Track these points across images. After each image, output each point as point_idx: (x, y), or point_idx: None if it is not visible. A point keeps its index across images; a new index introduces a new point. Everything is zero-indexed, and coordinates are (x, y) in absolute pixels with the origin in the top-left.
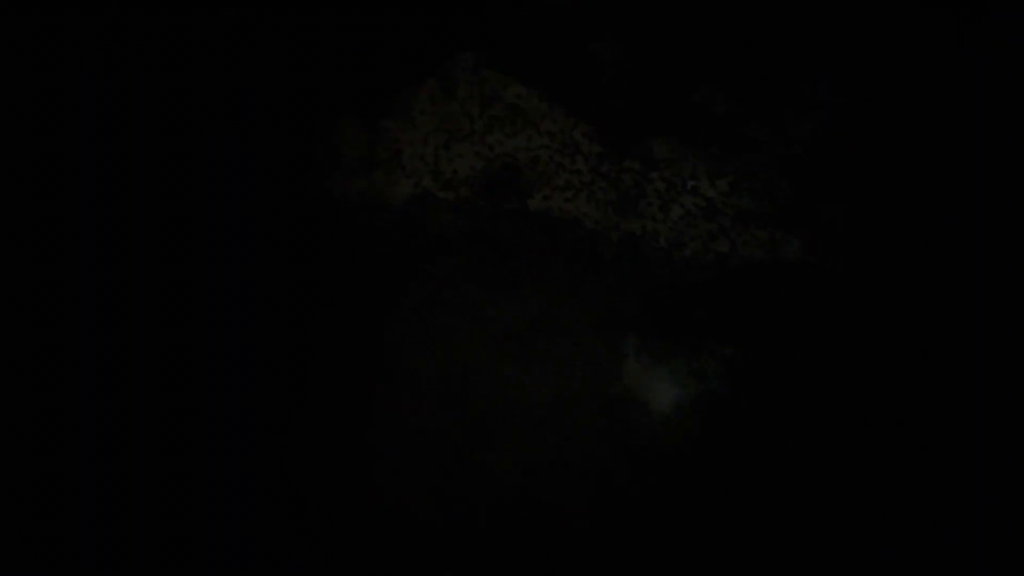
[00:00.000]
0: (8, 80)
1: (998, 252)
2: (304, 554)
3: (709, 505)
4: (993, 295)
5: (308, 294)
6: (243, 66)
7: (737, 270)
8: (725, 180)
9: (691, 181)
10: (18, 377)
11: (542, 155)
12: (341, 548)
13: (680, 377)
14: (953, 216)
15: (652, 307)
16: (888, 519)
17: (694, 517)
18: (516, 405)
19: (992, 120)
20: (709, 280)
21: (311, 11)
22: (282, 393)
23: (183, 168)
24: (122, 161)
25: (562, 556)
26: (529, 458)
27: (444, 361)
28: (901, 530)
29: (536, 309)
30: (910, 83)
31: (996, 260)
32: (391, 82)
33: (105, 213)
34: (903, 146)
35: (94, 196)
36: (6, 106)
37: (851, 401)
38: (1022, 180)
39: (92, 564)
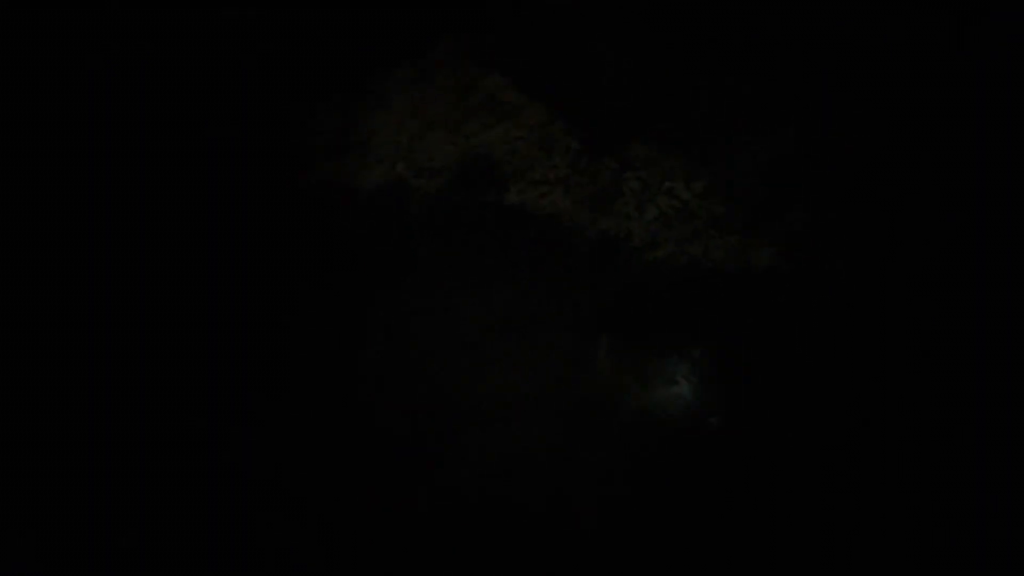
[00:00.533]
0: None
1: (994, 257)
2: (264, 542)
3: (676, 505)
4: (975, 304)
5: (272, 279)
6: (215, 44)
7: (709, 273)
8: (701, 183)
9: (667, 182)
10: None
11: (519, 148)
12: (304, 541)
13: (650, 378)
14: (943, 222)
15: (624, 307)
16: (857, 519)
17: (661, 517)
18: (484, 402)
19: (991, 121)
20: (681, 282)
21: None
22: (244, 378)
23: (151, 150)
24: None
25: (527, 554)
26: (496, 456)
27: (412, 355)
28: (873, 530)
29: (508, 305)
30: (900, 90)
31: (990, 266)
32: (367, 64)
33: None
34: (882, 157)
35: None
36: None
37: (818, 405)
38: (1020, 181)
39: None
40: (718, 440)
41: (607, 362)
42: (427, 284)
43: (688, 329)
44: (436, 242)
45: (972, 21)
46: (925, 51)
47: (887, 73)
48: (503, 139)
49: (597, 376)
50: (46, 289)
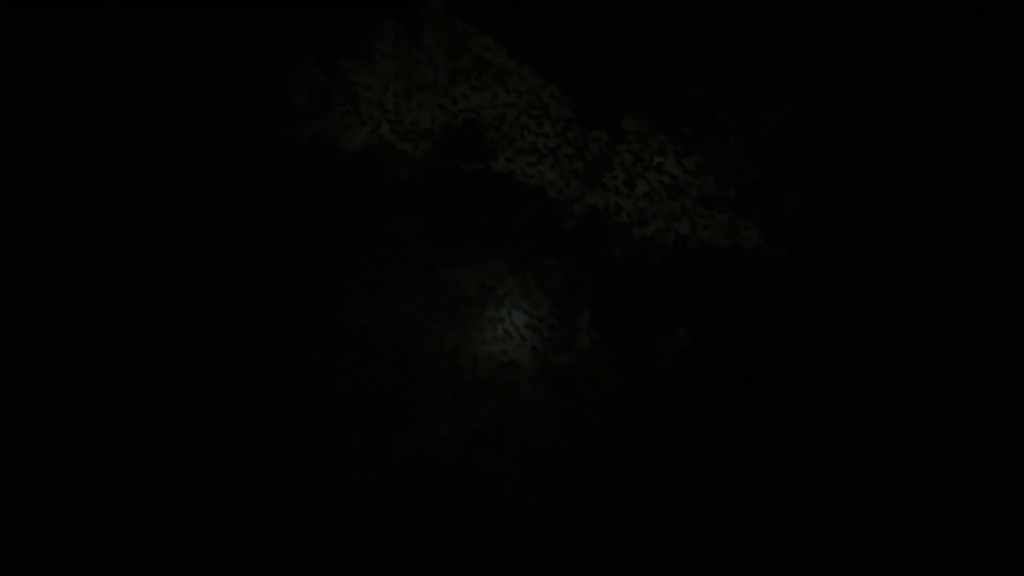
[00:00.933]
0: None
1: (989, 251)
2: (229, 504)
3: (649, 486)
4: (968, 300)
5: (251, 240)
6: None
7: (696, 252)
8: (692, 160)
9: (658, 157)
10: None
11: (508, 114)
12: (270, 498)
13: (631, 356)
14: (941, 222)
15: (609, 283)
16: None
17: (634, 497)
18: (462, 371)
19: (990, 120)
20: (668, 260)
21: None
22: (221, 339)
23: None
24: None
25: (495, 524)
26: (470, 425)
27: (391, 320)
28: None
29: (491, 276)
30: (897, 80)
31: (984, 260)
32: (351, 18)
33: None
34: (877, 151)
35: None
36: None
37: (797, 390)
38: (1016, 182)
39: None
40: (696, 419)
41: (588, 339)
42: (409, 250)
43: (673, 308)
44: (420, 208)
45: (972, 21)
46: (925, 48)
47: (886, 66)
48: (492, 104)
49: (577, 353)
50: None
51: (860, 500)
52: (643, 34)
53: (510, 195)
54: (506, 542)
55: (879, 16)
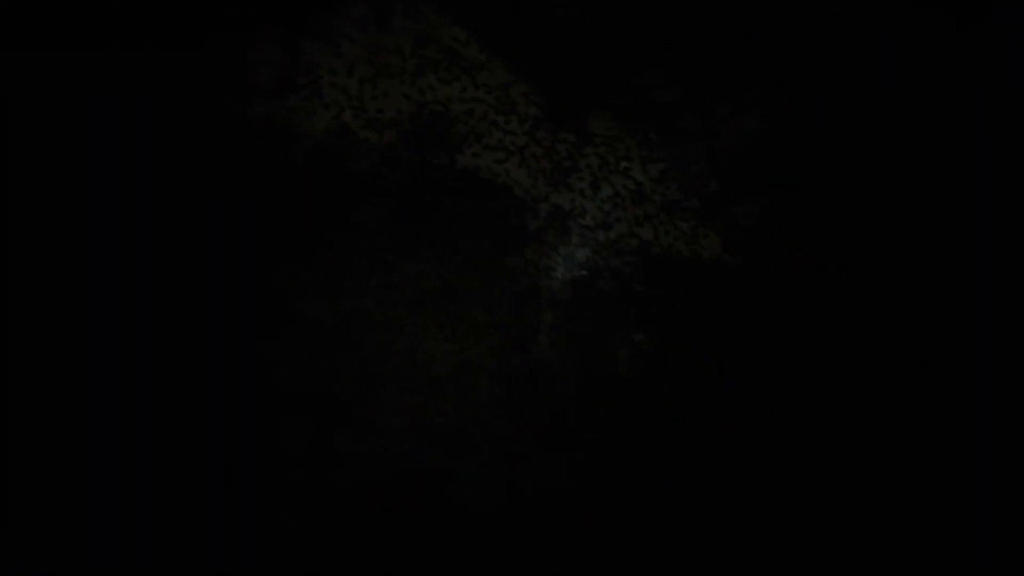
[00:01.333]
0: None
1: (987, 255)
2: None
3: (602, 490)
4: (933, 313)
5: (204, 222)
6: None
7: (658, 258)
8: (657, 167)
9: (624, 162)
10: None
11: (476, 109)
12: (211, 494)
13: (589, 359)
14: (929, 217)
15: (571, 285)
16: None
17: (585, 500)
18: (418, 368)
19: (990, 120)
20: (630, 265)
21: None
22: (162, 327)
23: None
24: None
25: (446, 521)
26: (423, 423)
27: (348, 313)
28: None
29: (452, 273)
30: (897, 81)
31: (983, 264)
32: None
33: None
34: (871, 144)
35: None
36: None
37: (753, 397)
38: (1017, 182)
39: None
40: (652, 424)
41: (548, 340)
42: (368, 241)
43: (633, 313)
44: (382, 199)
45: (972, 21)
46: (925, 48)
47: (886, 66)
48: (460, 98)
49: (536, 354)
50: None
51: (816, 500)
52: (617, 35)
53: (475, 191)
54: (454, 541)
55: (879, 16)
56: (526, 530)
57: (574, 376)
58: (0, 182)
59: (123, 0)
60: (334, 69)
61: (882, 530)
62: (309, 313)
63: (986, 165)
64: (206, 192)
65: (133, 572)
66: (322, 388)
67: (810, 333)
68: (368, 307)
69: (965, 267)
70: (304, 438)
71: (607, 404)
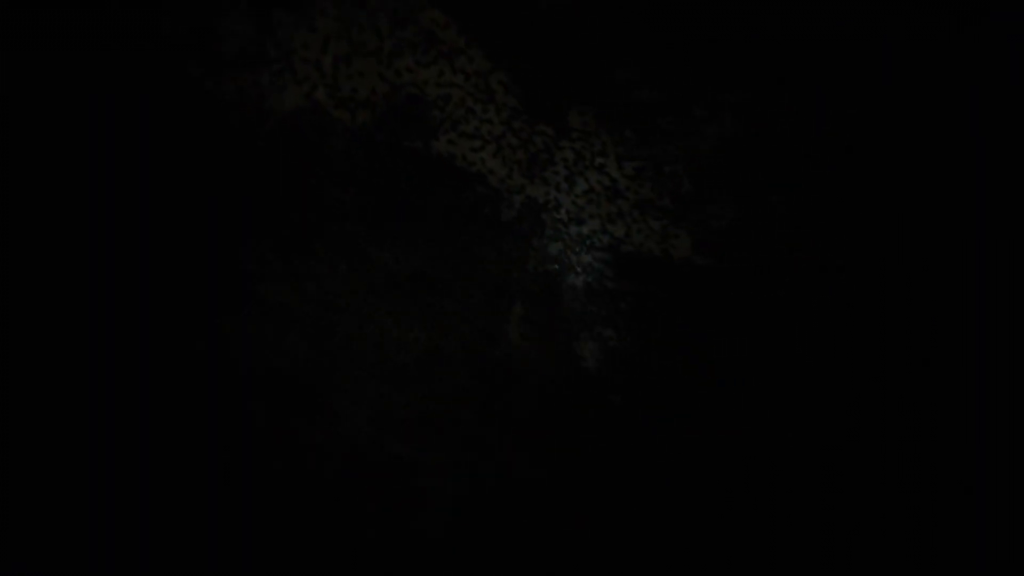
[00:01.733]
0: None
1: (987, 256)
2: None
3: (570, 481)
4: (916, 322)
5: (160, 197)
6: None
7: (628, 256)
8: (632, 165)
9: (600, 158)
10: None
11: (454, 95)
12: (163, 482)
13: (559, 353)
14: (928, 218)
15: (542, 278)
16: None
17: (553, 490)
18: (384, 356)
19: (990, 120)
20: (601, 260)
21: None
22: (116, 305)
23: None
24: None
25: (410, 513)
26: (388, 411)
27: (313, 298)
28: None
29: (423, 261)
30: (897, 81)
31: (983, 264)
32: None
33: None
34: (871, 144)
35: None
36: None
37: (719, 398)
38: (1017, 182)
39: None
40: (618, 419)
41: (518, 333)
42: (337, 224)
43: (602, 309)
44: (353, 181)
45: (972, 21)
46: (925, 48)
47: (885, 66)
48: (437, 82)
49: (505, 346)
50: None
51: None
52: (601, 30)
53: (449, 179)
54: (415, 531)
55: (879, 16)
56: (490, 521)
57: (543, 369)
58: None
59: None
60: (307, 44)
61: (877, 533)
62: (272, 295)
63: (986, 165)
64: (167, 165)
65: (76, 540)
66: (282, 372)
67: (788, 334)
68: (335, 292)
69: (965, 267)
70: (261, 423)
71: (575, 398)
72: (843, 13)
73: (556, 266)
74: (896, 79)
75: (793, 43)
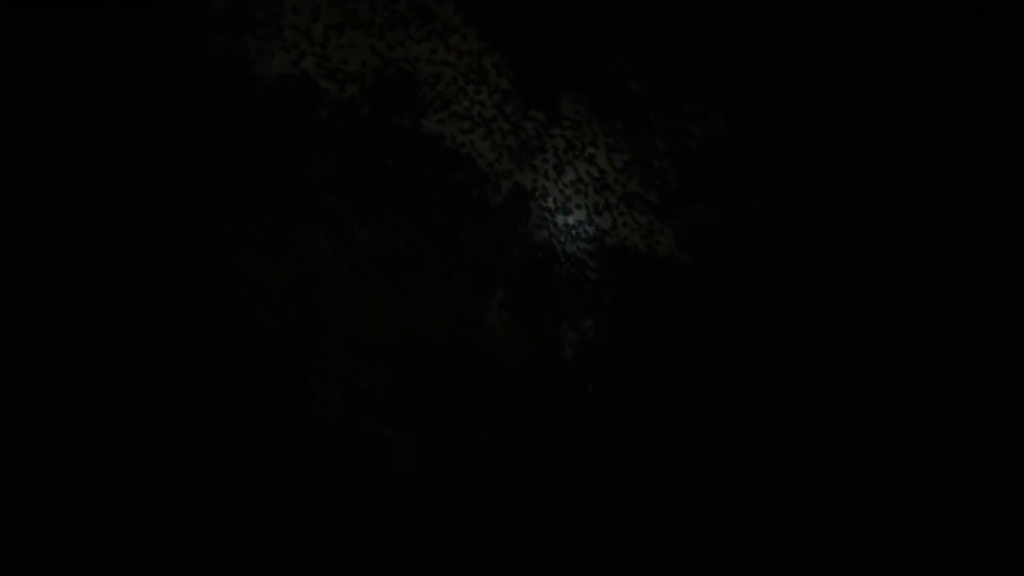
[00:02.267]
0: None
1: (987, 256)
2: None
3: (543, 466)
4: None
5: (142, 162)
6: None
7: (613, 248)
8: (621, 157)
9: (590, 149)
10: None
11: (445, 73)
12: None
13: (538, 340)
14: (928, 218)
15: (525, 265)
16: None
17: (526, 473)
18: (362, 334)
19: (990, 120)
20: (585, 252)
21: None
22: (97, 274)
23: None
24: None
25: (379, 490)
26: (362, 389)
27: (293, 273)
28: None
29: (407, 241)
30: (897, 80)
31: (983, 264)
32: None
33: None
34: (870, 144)
35: None
36: None
37: (695, 392)
38: (1017, 182)
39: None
40: (593, 408)
41: (498, 317)
42: (320, 197)
43: (584, 299)
44: (337, 154)
45: (972, 21)
46: (925, 48)
47: (885, 66)
48: (430, 59)
49: (485, 330)
50: None
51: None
52: (598, 19)
53: (437, 159)
54: (382, 508)
55: (879, 16)
56: (460, 499)
57: (521, 355)
58: None
59: None
60: (297, 8)
61: (877, 533)
62: (250, 268)
63: (986, 165)
64: (149, 128)
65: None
66: (256, 346)
67: (786, 333)
68: (315, 268)
69: (965, 267)
70: (233, 395)
71: (552, 386)
72: (843, 13)
73: (540, 254)
74: (896, 79)
75: (793, 43)
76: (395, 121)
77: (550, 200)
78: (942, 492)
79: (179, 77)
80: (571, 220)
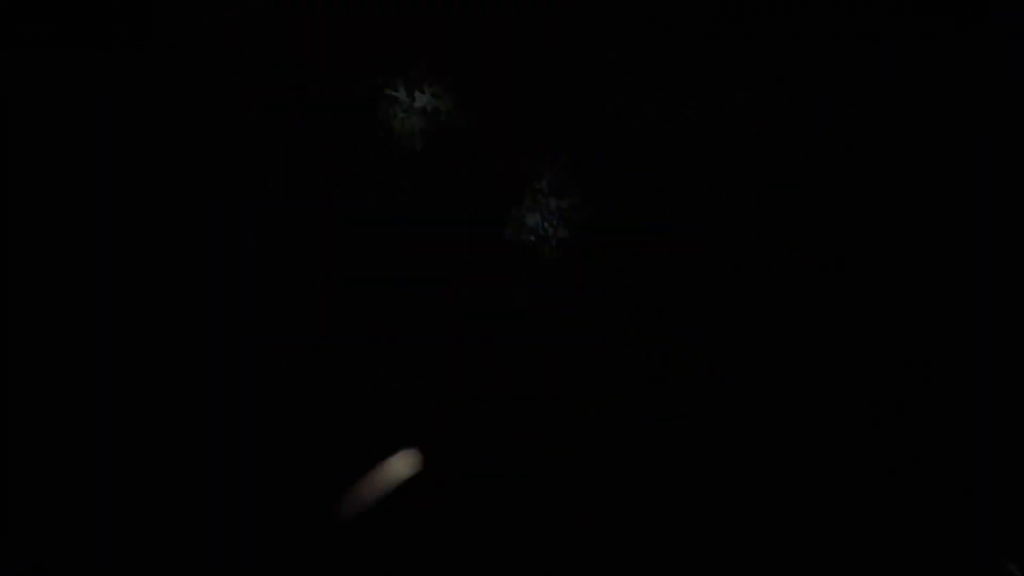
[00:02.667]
0: None
1: (987, 256)
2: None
3: (540, 466)
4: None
5: (141, 161)
6: None
7: (607, 236)
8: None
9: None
10: None
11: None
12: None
13: (526, 325)
14: (928, 218)
15: (517, 252)
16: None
17: (523, 474)
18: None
19: (990, 120)
20: (577, 238)
21: None
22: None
23: None
24: None
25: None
26: (362, 384)
27: (276, 243)
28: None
29: (399, 215)
30: (897, 80)
31: (983, 264)
32: None
33: None
34: (836, 152)
35: None
36: None
37: (691, 388)
38: (1017, 182)
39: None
40: (579, 398)
41: (525, 293)
42: (304, 162)
43: (569, 288)
44: (328, 123)
45: (972, 21)
46: (925, 48)
47: (885, 66)
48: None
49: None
50: None
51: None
52: (600, 7)
53: (430, 133)
54: (382, 507)
55: (879, 16)
56: (459, 500)
57: (507, 339)
58: None
59: None
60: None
61: (877, 533)
62: (250, 267)
63: (986, 165)
64: (149, 128)
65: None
66: (256, 346)
67: (786, 333)
68: (299, 240)
69: (965, 267)
70: (233, 396)
71: (537, 372)
72: (843, 13)
73: (532, 238)
74: (896, 79)
75: (793, 43)
76: (388, 92)
77: (544, 183)
78: (942, 492)
79: (179, 77)
80: (565, 204)
